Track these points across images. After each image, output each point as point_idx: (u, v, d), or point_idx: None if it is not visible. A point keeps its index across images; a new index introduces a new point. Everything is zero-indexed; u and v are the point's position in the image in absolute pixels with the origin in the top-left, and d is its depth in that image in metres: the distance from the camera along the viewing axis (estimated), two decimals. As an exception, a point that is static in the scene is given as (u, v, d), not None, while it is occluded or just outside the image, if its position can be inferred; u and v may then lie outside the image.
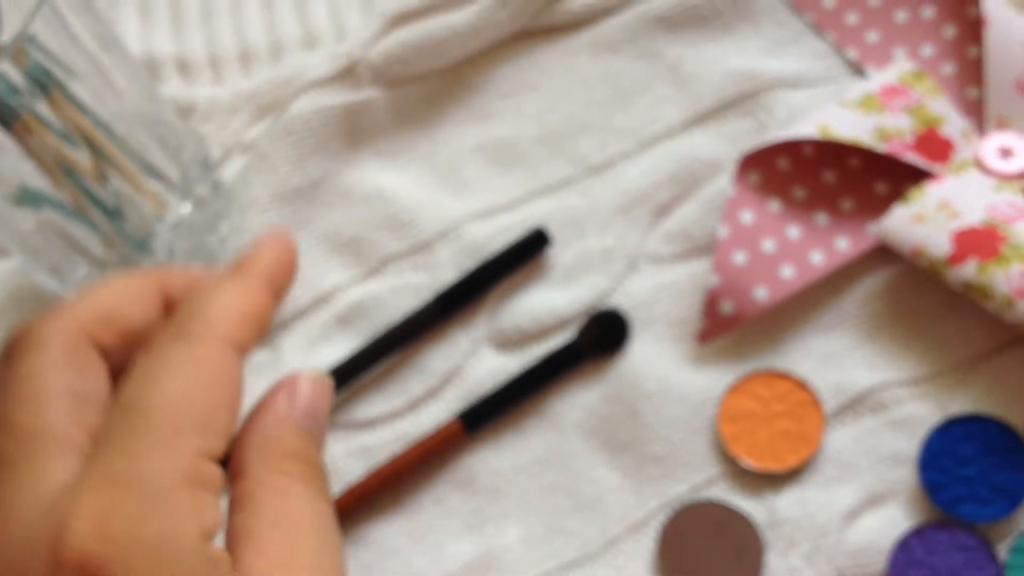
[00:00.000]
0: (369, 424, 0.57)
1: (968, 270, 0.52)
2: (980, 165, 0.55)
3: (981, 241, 0.52)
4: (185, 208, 0.56)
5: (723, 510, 0.52)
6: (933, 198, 0.54)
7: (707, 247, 0.57)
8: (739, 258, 0.54)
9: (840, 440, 0.52)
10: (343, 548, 0.45)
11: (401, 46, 0.60)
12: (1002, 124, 0.56)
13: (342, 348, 0.59)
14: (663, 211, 0.58)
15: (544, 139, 0.60)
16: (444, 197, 0.60)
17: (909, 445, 0.51)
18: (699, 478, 0.52)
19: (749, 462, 0.52)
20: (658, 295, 0.56)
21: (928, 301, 0.53)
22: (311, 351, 0.58)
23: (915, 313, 0.54)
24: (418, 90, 0.61)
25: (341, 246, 0.60)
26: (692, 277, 0.55)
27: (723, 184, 0.58)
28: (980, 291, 0.52)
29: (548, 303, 0.58)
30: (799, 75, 0.59)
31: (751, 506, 0.52)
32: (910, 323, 0.53)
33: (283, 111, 0.60)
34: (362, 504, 0.56)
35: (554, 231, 0.58)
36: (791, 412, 0.52)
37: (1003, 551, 0.49)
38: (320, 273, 0.60)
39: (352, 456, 0.57)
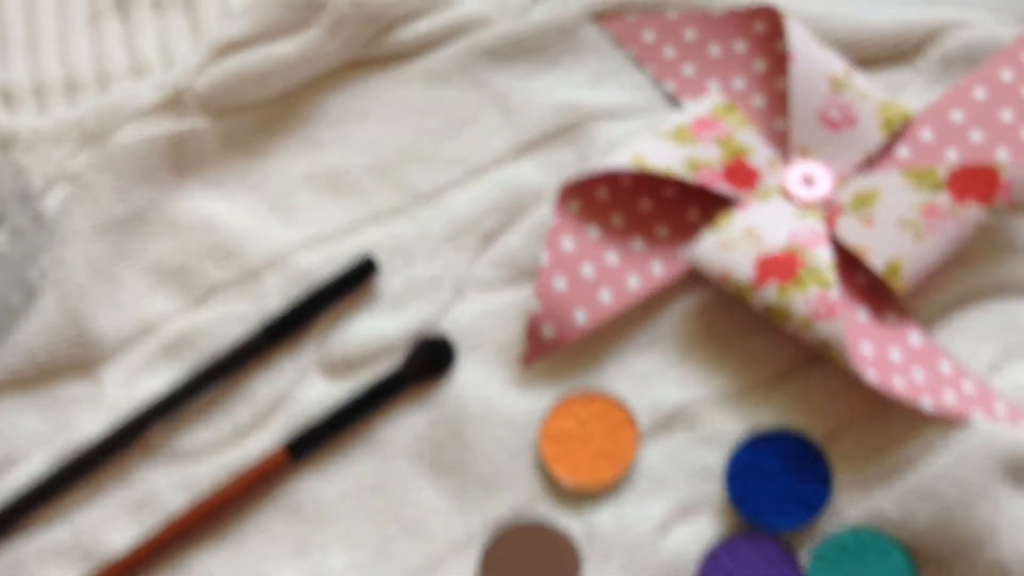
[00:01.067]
0: (194, 454, 0.59)
1: (769, 293, 0.56)
2: (784, 193, 0.60)
3: (781, 266, 0.57)
4: (1, 239, 0.56)
5: (542, 529, 0.54)
6: (740, 224, 0.59)
7: (532, 273, 0.58)
8: (559, 283, 0.56)
9: (654, 456, 0.55)
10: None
11: (228, 76, 0.62)
12: (805, 153, 0.60)
13: (166, 379, 0.60)
14: (490, 238, 0.60)
15: (374, 168, 0.62)
16: (273, 225, 0.62)
17: (717, 460, 0.55)
18: (522, 497, 0.55)
19: (568, 481, 0.55)
20: (484, 320, 0.58)
21: (737, 322, 0.57)
22: (134, 383, 0.59)
23: (725, 334, 0.57)
24: (247, 119, 0.63)
25: (167, 276, 0.61)
26: (517, 303, 0.58)
27: (547, 212, 0.61)
28: (780, 313, 0.56)
29: (376, 330, 0.60)
30: (619, 107, 0.63)
31: (571, 523, 0.55)
32: (720, 343, 0.57)
33: (107, 141, 0.61)
34: (185, 536, 0.57)
35: (383, 259, 0.61)
36: (608, 432, 0.55)
37: (805, 558, 0.54)
38: (145, 304, 0.61)
39: (176, 487, 0.58)
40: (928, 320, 0.57)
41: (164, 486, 0.57)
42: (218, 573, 0.56)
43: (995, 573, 0.51)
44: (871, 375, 0.53)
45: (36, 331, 0.58)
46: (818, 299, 0.55)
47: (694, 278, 0.57)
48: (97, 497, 0.57)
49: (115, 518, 0.57)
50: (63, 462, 0.58)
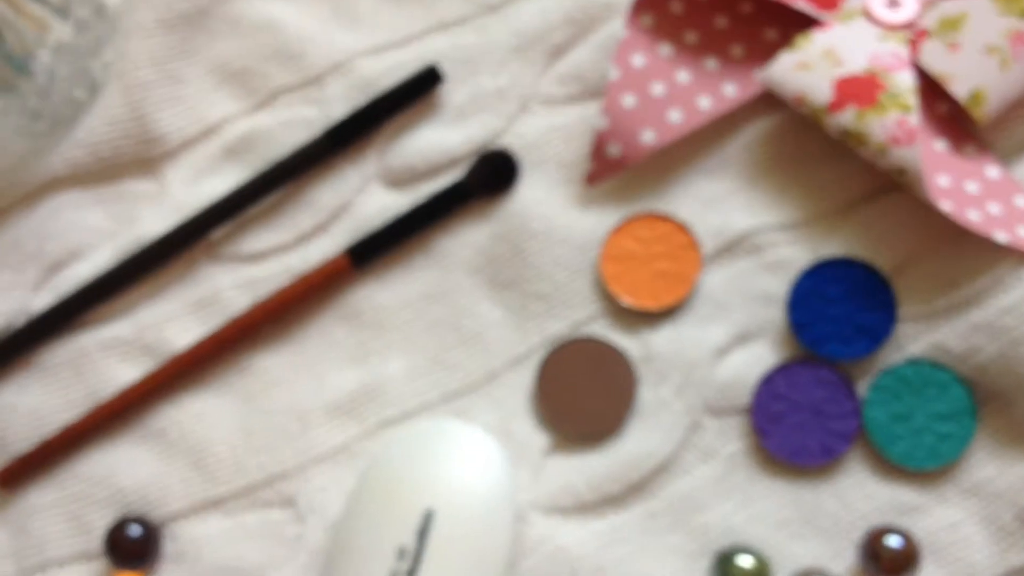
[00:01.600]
0: (256, 257, 0.59)
1: (847, 117, 0.55)
2: (868, 14, 0.58)
3: (861, 89, 0.55)
4: (65, 30, 0.56)
5: (600, 346, 0.54)
6: (819, 45, 0.57)
7: (600, 90, 0.56)
8: (628, 101, 0.55)
9: (715, 281, 0.55)
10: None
11: None
12: (893, -26, 0.59)
13: (229, 181, 0.60)
14: (558, 52, 0.57)
15: (442, -26, 0.61)
16: (337, 30, 0.60)
17: (780, 286, 0.54)
18: (580, 315, 0.55)
19: (628, 300, 0.55)
20: (549, 137, 0.56)
21: (808, 148, 0.55)
22: (197, 183, 0.60)
23: (795, 160, 0.55)
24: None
25: (229, 76, 0.60)
26: (583, 120, 0.56)
27: (619, 27, 0.56)
28: (856, 138, 0.54)
29: (439, 141, 0.57)
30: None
31: (628, 343, 0.55)
32: (790, 169, 0.55)
33: (172, -69, 0.60)
34: (248, 335, 0.58)
35: (448, 69, 0.57)
36: (670, 254, 0.55)
37: (863, 388, 0.53)
38: (208, 104, 0.60)
39: (238, 288, 0.59)
40: (1008, 153, 0.55)
41: (227, 286, 0.58)
42: (278, 372, 0.57)
43: None
44: (946, 205, 0.52)
45: (99, 125, 0.58)
46: (897, 124, 0.53)
47: (767, 101, 0.55)
48: (160, 294, 0.57)
49: (178, 316, 0.57)
50: (127, 257, 0.58)
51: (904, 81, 0.55)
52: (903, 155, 0.52)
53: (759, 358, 0.54)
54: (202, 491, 0.55)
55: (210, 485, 0.55)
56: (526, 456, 0.54)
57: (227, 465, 0.55)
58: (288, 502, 0.55)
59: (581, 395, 0.54)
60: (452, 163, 0.59)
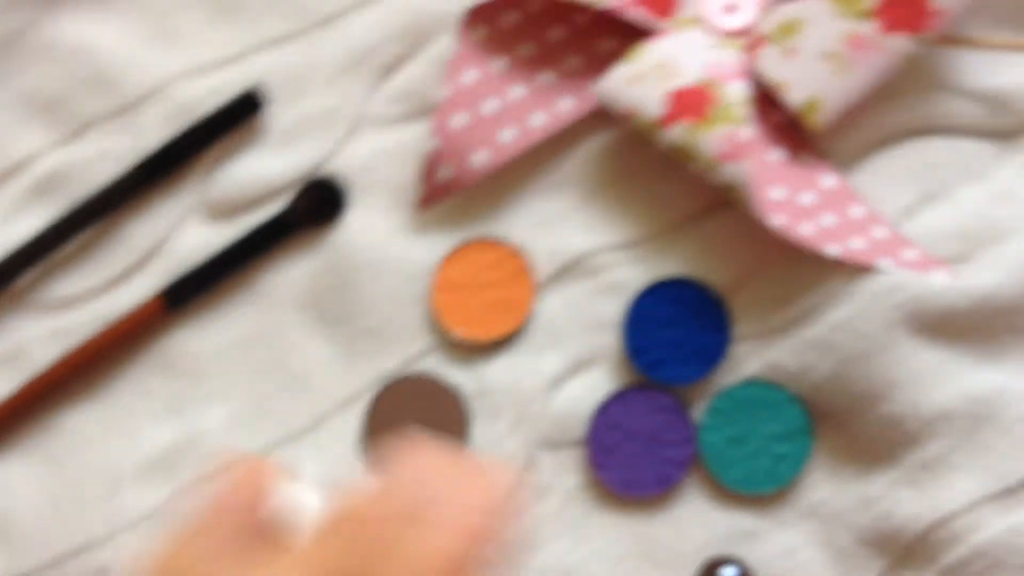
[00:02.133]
0: (65, 303, 0.65)
1: (677, 132, 0.60)
2: (704, 21, 0.65)
3: (692, 102, 0.60)
4: None
5: (430, 383, 0.61)
6: (652, 56, 0.62)
7: (435, 108, 0.62)
8: (459, 120, 0.61)
9: (551, 307, 0.61)
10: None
11: None
12: (729, -23, 0.63)
13: (38, 221, 0.65)
14: (390, 69, 0.64)
15: (265, -13, 0.58)
16: (155, 51, 0.64)
17: (616, 310, 0.61)
18: (412, 351, 0.61)
19: (460, 332, 0.61)
20: (380, 160, 0.63)
21: (646, 163, 0.62)
22: (2, 225, 0.66)
23: (633, 176, 0.62)
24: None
25: (39, 107, 0.64)
26: (417, 141, 0.62)
27: (453, 41, 0.62)
28: (686, 154, 0.60)
29: (261, 169, 0.63)
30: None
31: (462, 377, 0.61)
32: (627, 186, 0.63)
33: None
34: (54, 391, 0.62)
35: (272, 90, 0.63)
36: (503, 280, 0.62)
37: (700, 412, 0.60)
38: (14, 137, 0.64)
39: (46, 339, 0.64)
40: (845, 161, 0.63)
41: (33, 337, 0.63)
42: (87, 431, 0.61)
43: (890, 427, 0.58)
44: (776, 220, 0.58)
45: None
46: (726, 139, 0.59)
47: (604, 116, 0.61)
48: (-39, 350, 0.56)
49: (-20, 372, 0.55)
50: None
51: (736, 92, 0.60)
52: (732, 171, 0.59)
53: (596, 386, 0.61)
54: (5, 566, 0.58)
55: (14, 559, 0.59)
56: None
57: (33, 536, 0.59)
58: (100, 573, 0.60)
59: (411, 435, 0.60)
60: (276, 192, 0.64)
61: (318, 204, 0.64)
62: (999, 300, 0.59)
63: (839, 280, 0.61)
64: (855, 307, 0.60)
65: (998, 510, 0.59)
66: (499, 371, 0.62)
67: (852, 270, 0.60)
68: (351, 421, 0.62)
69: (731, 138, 0.60)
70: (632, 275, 0.63)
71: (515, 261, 0.64)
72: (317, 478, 0.59)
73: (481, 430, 0.62)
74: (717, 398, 0.62)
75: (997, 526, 0.58)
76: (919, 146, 0.63)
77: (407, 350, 0.62)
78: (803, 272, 0.61)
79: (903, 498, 0.59)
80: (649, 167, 0.63)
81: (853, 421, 0.60)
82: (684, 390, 0.62)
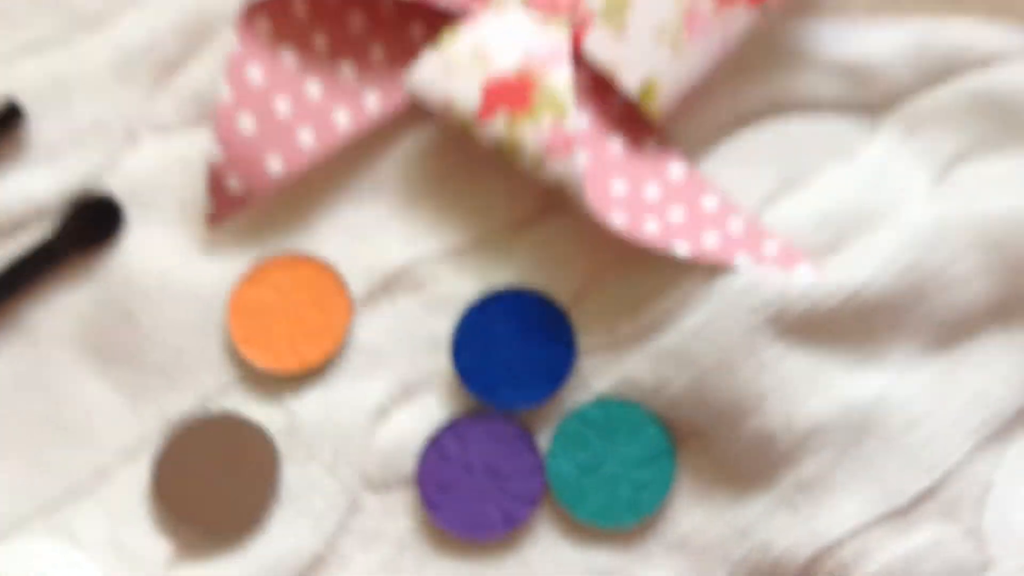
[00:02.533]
0: None
1: (497, 126, 0.56)
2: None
3: (512, 91, 0.56)
4: None
5: (231, 423, 0.57)
6: (467, 42, 0.57)
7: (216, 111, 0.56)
8: (246, 123, 0.57)
9: (371, 328, 0.57)
10: None
11: None
12: (550, -51, 0.58)
13: None
14: (169, 69, 0.60)
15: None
16: None
17: (446, 327, 0.57)
18: (209, 387, 0.57)
19: (265, 363, 0.57)
20: (163, 172, 0.59)
21: (468, 163, 0.58)
22: None
23: (454, 177, 0.59)
24: None
25: None
26: (204, 149, 0.58)
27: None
28: (510, 149, 0.56)
29: (24, 188, 0.59)
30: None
31: (269, 414, 0.57)
32: (451, 188, 0.59)
33: None
34: None
35: (34, 100, 0.59)
36: (314, 301, 0.58)
37: (546, 439, 0.56)
38: None
39: None
40: (694, 147, 0.59)
41: None
42: None
43: (761, 444, 0.55)
44: (617, 219, 0.55)
45: None
46: (552, 131, 0.55)
47: (418, 111, 0.58)
48: None
49: None
50: None
51: (561, 78, 0.56)
52: (562, 166, 0.55)
53: (426, 416, 0.57)
54: None
55: None
56: (144, 572, 0.54)
57: None
58: None
59: (209, 486, 0.56)
60: (42, 214, 0.59)
61: (90, 225, 0.59)
62: (873, 295, 0.56)
63: (693, 282, 0.57)
64: (712, 311, 0.56)
65: (890, 534, 0.55)
66: (312, 405, 0.58)
67: (707, 270, 0.56)
68: (139, 473, 0.57)
69: (558, 130, 0.56)
70: (461, 287, 0.59)
71: (326, 278, 0.59)
72: (101, 543, 0.56)
73: (294, 473, 0.57)
74: (565, 421, 0.57)
75: (891, 553, 0.55)
76: (775, 126, 0.60)
77: (203, 387, 0.57)
78: (652, 275, 0.57)
79: (781, 525, 0.55)
80: (473, 166, 0.59)
81: (719, 439, 0.56)
82: (527, 415, 0.58)
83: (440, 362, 0.58)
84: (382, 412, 0.58)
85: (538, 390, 0.57)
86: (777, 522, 0.55)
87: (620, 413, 0.57)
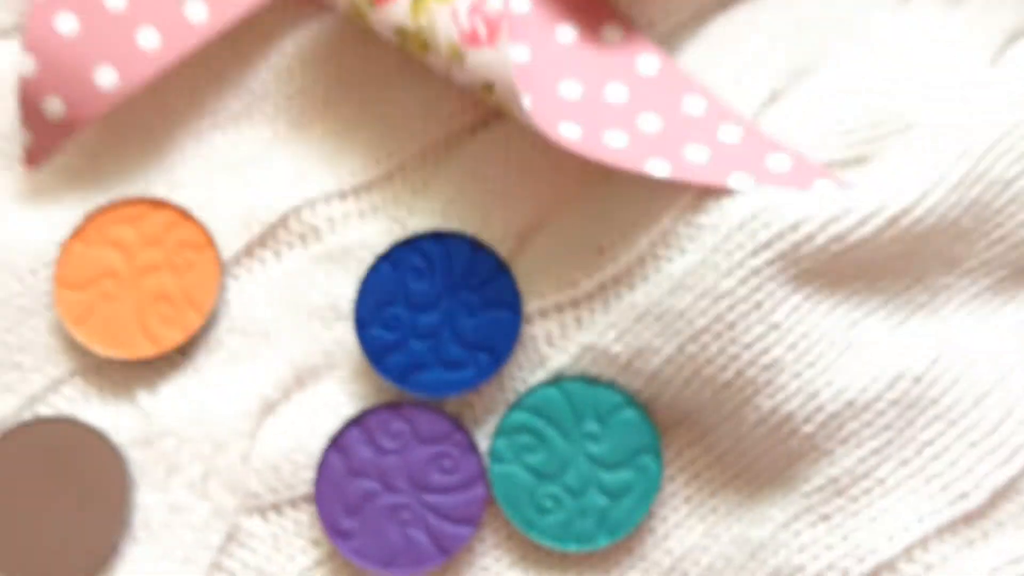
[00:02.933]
0: None
1: (399, 9, 0.47)
2: None
3: None
4: None
5: (66, 429, 0.48)
6: None
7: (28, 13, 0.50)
8: (67, 25, 0.49)
9: (249, 295, 0.50)
10: None
11: None
12: None
13: None
14: None
15: None
16: None
17: (347, 290, 0.49)
18: (36, 384, 0.49)
19: (106, 348, 0.48)
20: None
21: (369, 69, 0.51)
22: None
23: (353, 90, 0.52)
24: None
25: None
26: (16, 64, 0.50)
27: None
28: (418, 40, 0.47)
29: None
30: None
31: (115, 418, 0.49)
32: (347, 106, 0.52)
33: None
34: None
35: None
36: (172, 262, 0.50)
37: (487, 435, 0.48)
38: None
39: None
40: (670, 34, 0.51)
41: None
42: None
43: (777, 432, 0.46)
44: (569, 133, 0.47)
45: None
46: (471, 12, 0.47)
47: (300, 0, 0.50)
48: None
49: None
50: None
51: None
52: (486, 61, 0.46)
53: (324, 410, 0.48)
54: None
55: None
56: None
57: None
58: None
59: (39, 517, 0.47)
60: None
61: None
62: (921, 220, 0.47)
63: (675, 214, 0.47)
64: (703, 253, 0.46)
65: (958, 548, 0.45)
66: (173, 403, 0.48)
67: (693, 197, 0.47)
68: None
69: (480, 11, 0.47)
70: (367, 235, 0.50)
71: (186, 231, 0.50)
72: None
73: (151, 497, 0.48)
74: (512, 411, 0.48)
75: (961, 574, 0.45)
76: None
77: (26, 386, 0.49)
78: (619, 207, 0.48)
79: (810, 542, 0.46)
80: (377, 73, 0.51)
81: (720, 428, 0.47)
82: (460, 403, 0.48)
83: (342, 336, 0.49)
84: (267, 408, 0.49)
85: (474, 370, 0.48)
86: (804, 538, 0.46)
87: (585, 396, 0.48)
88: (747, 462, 0.47)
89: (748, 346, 0.46)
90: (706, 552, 0.47)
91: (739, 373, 0.46)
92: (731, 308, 0.46)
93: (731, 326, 0.46)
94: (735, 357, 0.46)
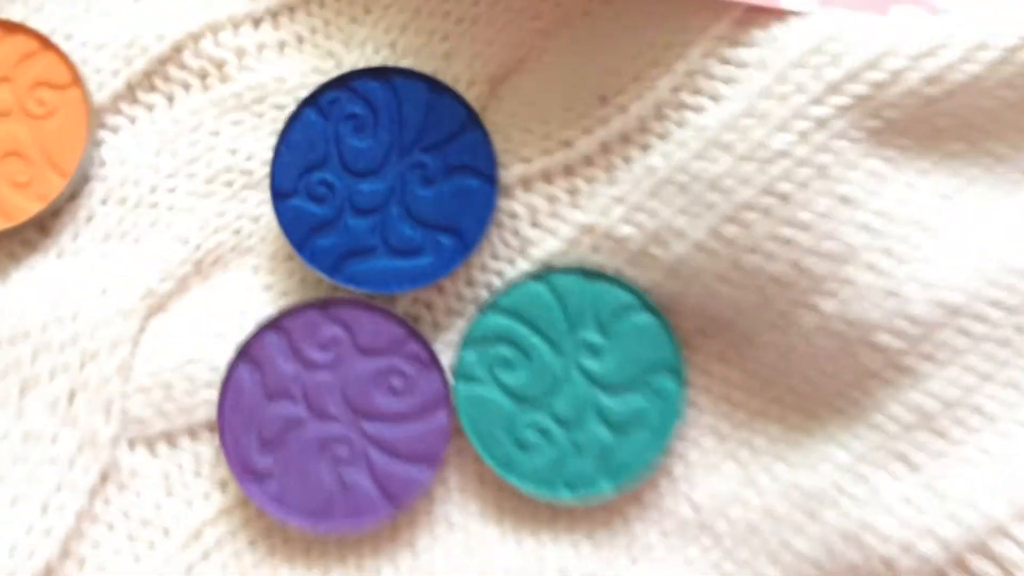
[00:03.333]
0: None
1: None
2: None
3: None
4: None
5: None
6: None
7: None
8: None
9: (130, 152, 0.40)
10: None
11: None
12: None
13: None
14: None
15: None
16: None
17: (263, 143, 0.40)
18: None
19: None
20: None
21: None
22: None
23: None
24: None
25: None
26: None
27: None
28: None
29: None
30: None
31: None
32: None
33: None
34: None
35: None
36: (25, 105, 0.40)
37: (448, 345, 0.37)
38: None
39: None
40: None
41: None
42: None
43: (841, 335, 0.35)
44: None
45: None
46: None
47: None
48: None
49: None
50: None
51: None
52: None
53: (232, 308, 0.39)
54: None
55: None
56: None
57: None
58: None
59: None
60: None
61: None
62: None
63: (705, 48, 0.36)
64: (744, 102, 0.35)
65: None
66: (27, 293, 0.39)
67: (730, 24, 0.36)
68: None
69: None
70: (285, 74, 0.40)
71: (46, 64, 0.39)
72: None
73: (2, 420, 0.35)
74: (485, 314, 0.37)
75: None
76: None
77: None
78: (627, 40, 0.38)
79: (887, 492, 0.35)
80: None
81: (763, 337, 0.37)
82: (414, 302, 0.38)
83: (255, 210, 0.39)
84: (154, 305, 0.39)
85: (432, 256, 0.37)
86: (877, 487, 0.35)
87: (582, 295, 0.37)
88: (799, 384, 0.36)
89: (807, 227, 0.35)
90: (741, 504, 0.37)
91: (794, 264, 0.35)
92: (786, 175, 0.35)
93: (785, 199, 0.35)
94: (789, 242, 0.35)
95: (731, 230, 0.35)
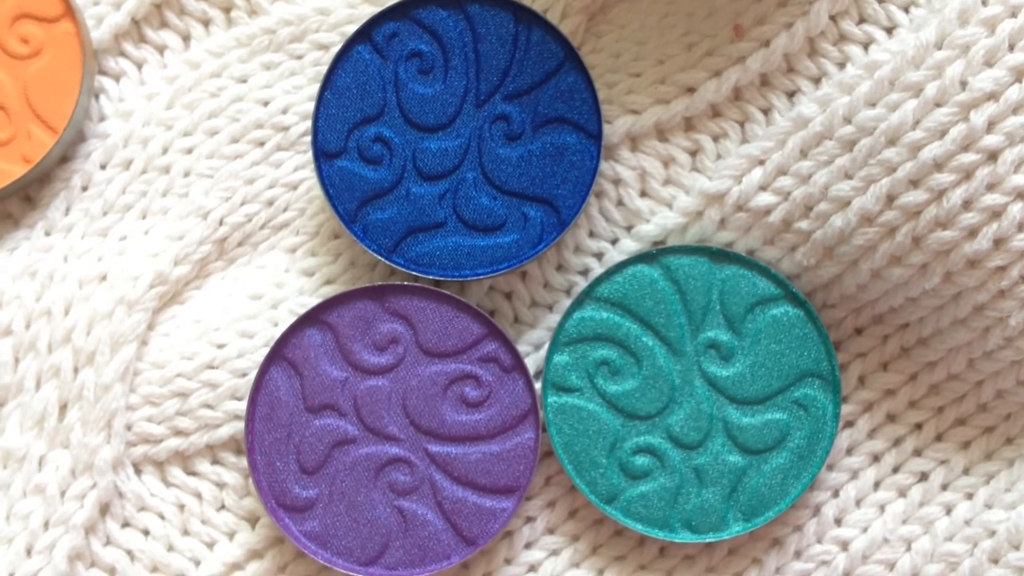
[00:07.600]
0: None
1: None
2: None
3: None
4: None
5: None
6: None
7: None
8: None
9: (136, 102, 0.33)
10: None
11: None
12: None
13: None
14: None
15: None
16: None
17: (303, 89, 0.33)
18: None
19: None
20: None
21: None
22: None
23: None
24: None
25: None
26: None
27: None
28: None
29: None
30: None
31: None
32: None
33: None
34: None
35: None
36: (6, 44, 0.33)
37: (536, 345, 0.30)
38: None
39: None
40: None
41: None
42: None
43: None
44: None
45: None
46: None
47: None
48: None
49: None
50: None
51: None
52: None
53: (264, 295, 0.32)
54: None
55: None
56: None
57: None
58: None
59: None
60: None
61: None
62: None
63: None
64: (938, 29, 0.28)
65: None
66: (11, 278, 0.32)
67: None
68: None
69: None
70: (328, 2, 0.33)
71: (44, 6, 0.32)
72: None
73: None
74: (582, 304, 0.29)
75: None
76: None
77: None
78: None
79: None
80: None
81: (946, 338, 0.30)
82: (494, 290, 0.30)
83: (292, 174, 0.32)
84: (167, 292, 0.31)
85: (518, 233, 0.29)
86: None
87: (707, 281, 0.29)
88: (993, 401, 0.29)
89: (1020, 193, 0.27)
90: (907, 548, 0.30)
91: (998, 243, 0.27)
92: (994, 124, 0.28)
93: (992, 157, 0.27)
94: (995, 215, 0.27)
95: (908, 200, 0.28)
